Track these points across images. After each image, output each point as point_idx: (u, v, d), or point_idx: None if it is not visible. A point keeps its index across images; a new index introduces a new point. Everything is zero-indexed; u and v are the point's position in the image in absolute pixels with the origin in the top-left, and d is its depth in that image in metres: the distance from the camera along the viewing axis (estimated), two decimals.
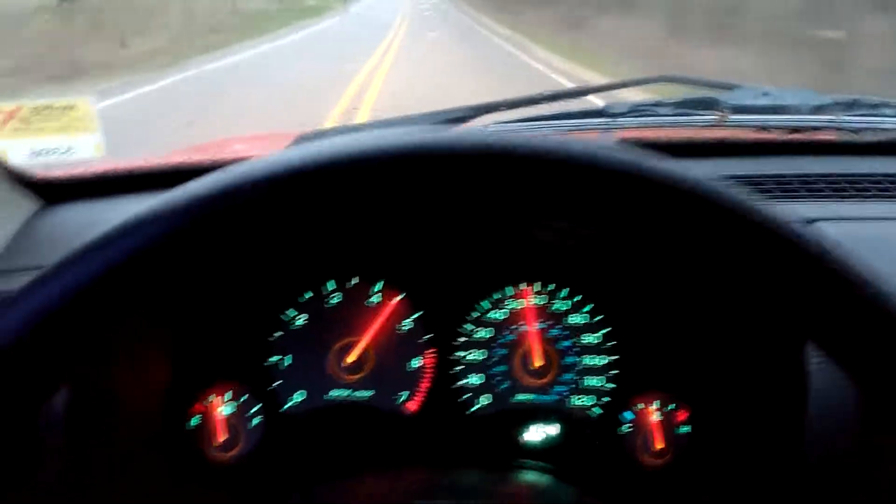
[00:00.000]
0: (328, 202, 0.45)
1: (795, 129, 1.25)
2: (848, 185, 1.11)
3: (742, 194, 0.46)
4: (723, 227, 0.44)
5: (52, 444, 0.82)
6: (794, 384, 0.88)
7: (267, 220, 0.45)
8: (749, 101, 1.25)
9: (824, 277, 0.46)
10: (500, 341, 1.03)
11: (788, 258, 0.45)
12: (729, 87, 1.29)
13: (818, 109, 1.26)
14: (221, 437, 0.99)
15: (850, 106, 1.27)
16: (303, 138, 1.25)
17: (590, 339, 1.02)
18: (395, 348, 1.03)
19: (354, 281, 1.03)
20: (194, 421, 1.00)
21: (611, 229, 0.49)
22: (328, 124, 6.50)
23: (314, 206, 0.45)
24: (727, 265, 0.47)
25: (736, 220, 0.44)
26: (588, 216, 0.46)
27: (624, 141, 1.25)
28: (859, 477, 0.79)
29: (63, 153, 1.04)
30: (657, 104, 1.25)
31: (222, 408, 1.00)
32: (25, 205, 1.06)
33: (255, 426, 1.01)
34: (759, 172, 1.14)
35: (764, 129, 1.25)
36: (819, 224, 1.00)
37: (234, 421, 1.00)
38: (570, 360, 1.02)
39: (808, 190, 1.09)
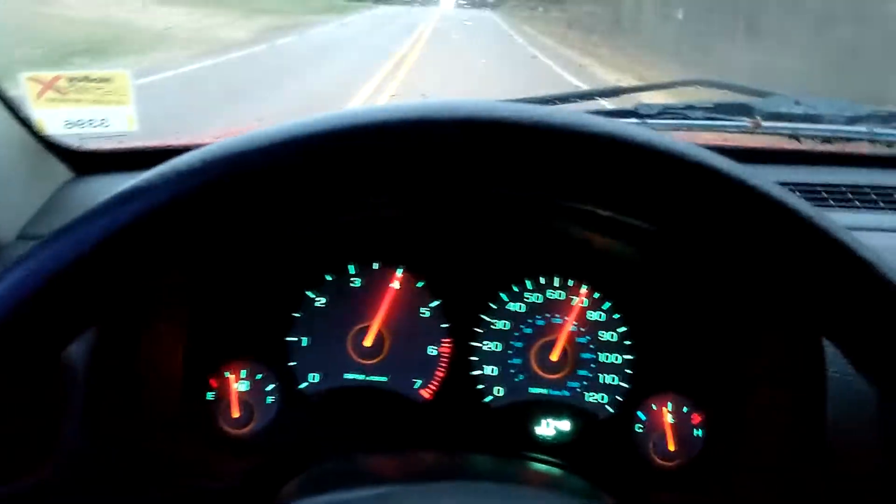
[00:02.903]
0: (358, 166, 0.45)
1: (828, 139, 1.24)
2: (878, 197, 1.09)
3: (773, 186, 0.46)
4: (754, 212, 0.44)
5: (71, 408, 0.84)
6: (813, 394, 0.87)
7: (299, 181, 0.45)
8: (783, 109, 1.24)
9: (853, 270, 0.45)
10: (517, 334, 1.03)
11: (821, 251, 0.45)
12: (763, 94, 1.28)
13: (853, 120, 1.24)
14: (236, 412, 1.00)
15: (886, 119, 1.25)
16: None
17: (606, 336, 1.02)
18: (412, 335, 1.03)
19: (375, 265, 1.03)
20: (210, 395, 1.01)
21: (638, 212, 0.48)
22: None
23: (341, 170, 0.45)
24: (752, 253, 0.47)
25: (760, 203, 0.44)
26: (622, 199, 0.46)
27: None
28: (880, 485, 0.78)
29: (97, 125, 1.05)
30: (689, 107, 1.24)
31: (238, 384, 1.01)
32: (58, 174, 1.08)
33: (269, 404, 1.02)
34: (789, 180, 1.13)
35: (796, 137, 1.24)
36: None
37: (250, 398, 1.01)
38: (585, 356, 1.02)
39: (836, 200, 1.08)
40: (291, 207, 0.46)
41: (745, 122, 1.23)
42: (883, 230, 1.02)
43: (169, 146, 1.17)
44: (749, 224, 0.46)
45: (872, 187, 1.12)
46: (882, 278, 0.45)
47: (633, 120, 1.24)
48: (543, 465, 0.97)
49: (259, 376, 1.02)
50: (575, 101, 1.32)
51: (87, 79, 1.01)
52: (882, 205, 1.08)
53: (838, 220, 1.03)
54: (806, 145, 1.24)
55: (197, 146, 1.14)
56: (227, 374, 1.01)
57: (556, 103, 1.30)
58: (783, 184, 1.12)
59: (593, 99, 1.33)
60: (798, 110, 1.24)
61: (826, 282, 0.46)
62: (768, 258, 0.47)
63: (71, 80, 1.00)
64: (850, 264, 0.46)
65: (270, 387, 1.02)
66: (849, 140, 1.24)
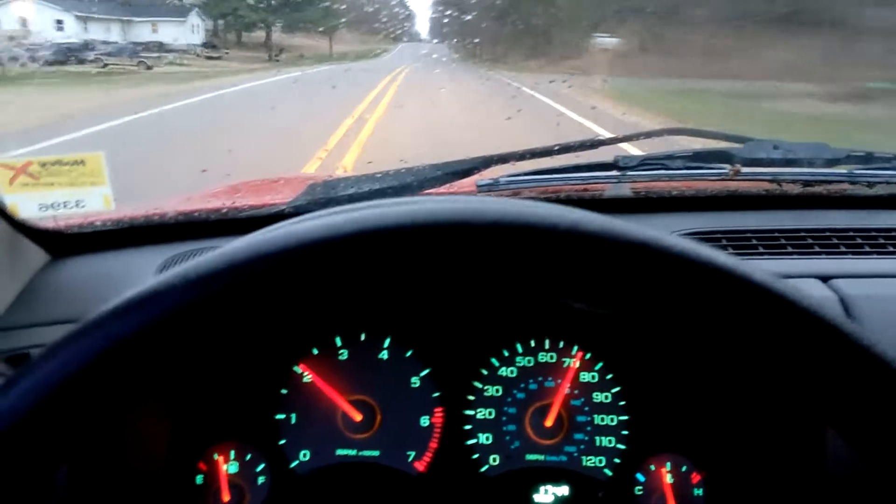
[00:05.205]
0: (344, 272, 0.46)
1: (808, 183, 1.24)
2: (862, 240, 1.09)
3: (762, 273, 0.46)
4: (742, 305, 0.44)
5: None
6: (813, 450, 0.86)
7: (281, 290, 0.45)
8: (761, 154, 1.24)
9: (843, 356, 0.45)
10: (510, 399, 1.01)
11: (809, 338, 0.45)
12: (741, 140, 1.28)
13: (832, 162, 1.25)
14: (226, 496, 0.97)
15: (865, 159, 1.26)
16: (314, 187, 1.25)
17: (601, 397, 1.00)
18: (404, 406, 1.01)
19: (362, 337, 1.01)
20: (199, 479, 0.98)
21: (628, 307, 0.48)
22: None
23: (328, 277, 0.46)
24: (741, 337, 0.47)
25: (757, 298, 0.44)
26: (604, 295, 0.46)
27: (636, 193, 1.24)
28: None
29: (72, 207, 1.03)
30: (669, 157, 1.24)
31: (227, 466, 0.98)
32: (34, 258, 1.06)
33: (261, 484, 0.99)
34: (771, 227, 1.12)
35: (776, 182, 1.24)
36: (833, 281, 0.98)
37: (240, 479, 0.99)
38: (581, 419, 1.00)
39: (822, 245, 1.08)
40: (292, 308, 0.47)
41: (725, 169, 1.23)
42: (867, 276, 1.01)
43: (146, 219, 1.15)
44: (745, 316, 0.45)
45: (857, 230, 1.11)
46: (886, 364, 0.44)
47: (614, 172, 1.24)
48: None
49: (248, 457, 0.99)
50: (555, 154, 1.31)
51: (59, 162, 0.99)
52: (866, 247, 1.08)
53: (823, 266, 1.04)
54: (786, 189, 1.24)
55: (176, 219, 1.12)
56: (216, 457, 0.98)
57: (534, 157, 1.30)
58: (765, 231, 1.12)
59: (572, 151, 1.33)
60: (776, 155, 1.24)
61: (827, 372, 0.45)
62: (760, 348, 0.46)
63: (43, 164, 0.99)
64: (851, 352, 0.45)
65: (260, 467, 0.99)
66: (829, 182, 1.24)
